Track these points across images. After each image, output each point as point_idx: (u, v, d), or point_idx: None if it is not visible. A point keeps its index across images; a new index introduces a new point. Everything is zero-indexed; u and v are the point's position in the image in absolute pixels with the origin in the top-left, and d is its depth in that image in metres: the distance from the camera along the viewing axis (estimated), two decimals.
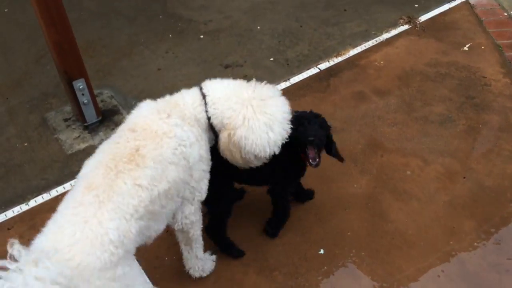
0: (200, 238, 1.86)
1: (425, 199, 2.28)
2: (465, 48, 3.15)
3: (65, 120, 2.77)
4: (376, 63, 3.10)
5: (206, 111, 1.64)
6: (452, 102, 2.77)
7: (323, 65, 3.12)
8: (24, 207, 2.30)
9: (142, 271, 1.47)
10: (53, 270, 1.14)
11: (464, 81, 2.90)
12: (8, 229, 2.20)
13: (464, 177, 2.36)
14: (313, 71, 3.08)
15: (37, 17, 2.28)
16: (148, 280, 1.49)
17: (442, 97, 2.80)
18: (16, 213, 2.27)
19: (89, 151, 2.58)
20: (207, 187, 1.73)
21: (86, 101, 2.58)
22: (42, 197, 2.35)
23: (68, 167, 2.50)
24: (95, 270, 1.27)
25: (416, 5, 3.59)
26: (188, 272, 1.96)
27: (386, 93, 2.86)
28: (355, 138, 2.60)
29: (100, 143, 2.60)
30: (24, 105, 2.86)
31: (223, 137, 1.64)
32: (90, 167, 1.46)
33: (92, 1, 3.82)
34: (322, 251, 2.12)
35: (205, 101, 1.65)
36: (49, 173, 2.46)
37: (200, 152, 1.61)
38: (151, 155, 1.46)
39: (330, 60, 3.15)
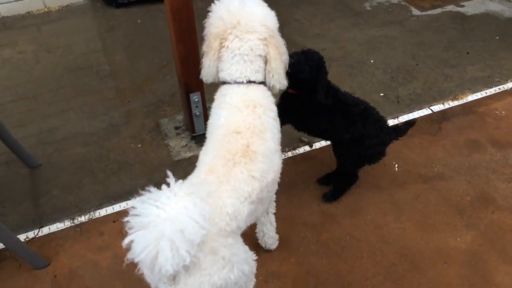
0: (274, 204, 2.07)
1: None
2: None
3: (176, 128, 2.94)
4: (497, 112, 2.88)
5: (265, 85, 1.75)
6: None
7: (437, 107, 2.98)
8: (130, 203, 2.45)
9: (245, 245, 1.58)
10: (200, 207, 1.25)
11: None
12: (114, 221, 2.37)
13: None
14: (425, 111, 2.96)
15: (170, 32, 2.47)
16: (249, 250, 1.60)
17: None
18: (122, 208, 2.44)
19: (193, 160, 2.70)
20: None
21: (198, 113, 2.72)
22: None
23: (173, 172, 2.63)
24: (212, 233, 1.38)
25: None
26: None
27: (505, 146, 2.65)
28: (464, 189, 2.43)
29: None
30: (142, 109, 3.09)
31: (271, 57, 1.70)
32: (209, 156, 1.58)
33: None
34: None
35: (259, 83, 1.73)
36: (156, 175, 2.61)
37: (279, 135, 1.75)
38: (261, 150, 1.58)
39: (445, 103, 3.00)
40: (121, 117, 3.04)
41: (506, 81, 3.12)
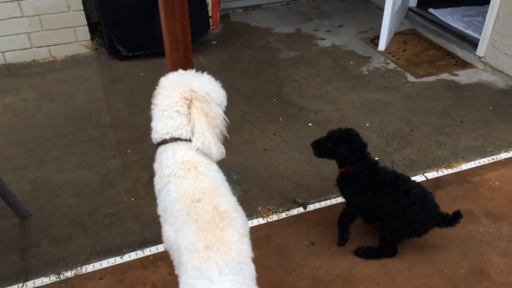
0: None
1: None
2: None
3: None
4: (491, 182, 2.91)
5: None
6: None
7: (431, 174, 3.00)
8: (118, 260, 2.42)
9: None
10: None
11: None
12: (100, 278, 2.31)
13: None
14: (418, 178, 2.97)
15: None
16: None
17: None
18: (110, 264, 2.39)
19: None
20: None
21: None
22: (136, 254, 2.45)
23: None
24: None
25: None
26: None
27: (498, 218, 2.65)
28: (458, 261, 2.40)
29: None
30: (139, 162, 3.11)
31: (195, 118, 1.75)
32: (188, 234, 1.58)
33: (216, 76, 4.12)
34: None
35: (184, 140, 1.80)
36: (147, 231, 2.58)
37: None
38: (229, 206, 1.66)
39: (439, 171, 3.03)
40: (117, 169, 3.05)
41: (499, 152, 3.17)
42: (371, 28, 5.09)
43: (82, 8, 4.30)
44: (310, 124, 3.53)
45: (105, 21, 4.24)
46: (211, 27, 4.95)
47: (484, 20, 4.05)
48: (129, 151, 3.21)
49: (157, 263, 2.40)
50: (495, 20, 3.92)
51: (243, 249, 1.53)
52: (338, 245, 2.49)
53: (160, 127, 1.80)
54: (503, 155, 3.14)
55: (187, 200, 1.60)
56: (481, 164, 3.07)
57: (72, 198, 2.81)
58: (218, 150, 1.82)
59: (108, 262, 2.40)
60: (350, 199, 2.41)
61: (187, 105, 1.77)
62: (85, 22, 4.39)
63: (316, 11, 5.59)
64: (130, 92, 3.90)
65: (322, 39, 4.87)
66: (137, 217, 2.68)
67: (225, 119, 1.88)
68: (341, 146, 2.26)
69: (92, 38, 4.51)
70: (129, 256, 2.44)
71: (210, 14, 4.88)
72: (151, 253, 2.46)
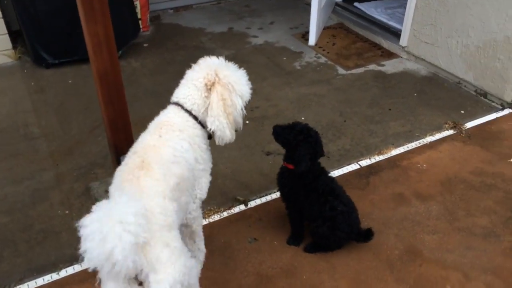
0: (201, 232, 2.17)
1: None
2: None
3: (108, 191, 2.85)
4: (419, 165, 3.07)
5: (190, 115, 1.93)
6: (497, 215, 2.67)
7: (364, 162, 3.12)
8: (54, 276, 2.31)
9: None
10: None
11: (510, 195, 2.81)
12: None
13: None
14: (353, 166, 3.08)
15: (98, 94, 2.45)
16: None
17: (486, 209, 2.71)
18: (45, 282, 2.28)
19: None
20: (207, 186, 2.04)
21: None
22: (73, 268, 2.36)
23: None
24: (156, 229, 1.59)
25: (462, 112, 3.61)
26: None
27: (427, 198, 2.80)
28: (392, 243, 2.52)
29: None
30: (72, 173, 2.99)
31: (213, 101, 1.90)
32: (117, 180, 1.82)
33: (149, 79, 4.09)
34: None
35: (182, 107, 1.94)
36: None
37: (194, 155, 1.91)
38: (155, 161, 1.75)
39: (371, 158, 3.16)
40: (49, 181, 2.92)
41: (425, 136, 3.35)
42: (302, 24, 5.20)
43: (0, 16, 4.07)
44: (247, 122, 3.56)
45: (27, 28, 4.03)
46: (141, 30, 4.85)
47: (405, 11, 4.26)
48: (60, 162, 3.08)
49: (97, 276, 2.32)
50: (414, 11, 4.14)
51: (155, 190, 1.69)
52: (288, 244, 2.53)
53: (176, 92, 1.99)
54: (429, 139, 3.32)
55: (131, 151, 1.84)
56: (409, 148, 3.24)
57: (1, 216, 2.65)
58: (231, 133, 1.97)
59: (43, 279, 2.30)
60: (287, 198, 2.45)
61: (206, 86, 1.92)
62: (5, 31, 4.16)
63: (247, 9, 5.64)
64: (58, 101, 3.74)
65: (255, 36, 4.92)
66: (73, 230, 2.57)
67: (243, 110, 1.99)
68: (302, 144, 2.25)
69: (15, 47, 4.27)
70: (66, 271, 2.35)
71: (139, 16, 4.77)
72: None
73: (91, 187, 2.88)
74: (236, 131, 2.03)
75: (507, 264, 2.38)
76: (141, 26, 4.83)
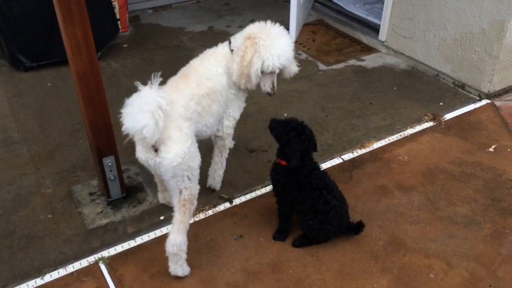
0: (228, 150, 2.78)
1: None
2: (491, 149, 3.15)
3: (91, 194, 2.83)
4: (400, 157, 3.11)
5: (231, 50, 2.46)
6: (477, 204, 2.73)
7: (347, 156, 3.16)
8: (39, 281, 2.29)
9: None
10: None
11: (489, 183, 2.87)
12: None
13: (490, 286, 2.26)
14: (336, 161, 3.11)
15: (78, 96, 2.43)
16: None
17: (467, 198, 2.77)
18: (30, 287, 2.26)
19: (110, 227, 2.61)
20: (239, 109, 2.66)
21: (113, 177, 2.65)
22: (58, 272, 2.34)
23: (88, 242, 2.51)
24: (175, 116, 2.16)
25: (441, 103, 3.67)
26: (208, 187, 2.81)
27: (409, 189, 2.85)
28: (376, 234, 2.55)
29: (121, 219, 2.65)
30: (54, 176, 2.95)
31: (237, 50, 2.41)
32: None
33: (129, 80, 4.05)
34: None
35: (229, 44, 2.49)
36: (68, 248, 2.47)
37: (228, 81, 2.47)
38: (194, 76, 2.37)
39: (354, 152, 3.19)
40: (30, 186, 2.88)
41: (406, 128, 3.40)
42: (282, 21, 5.14)
43: None
44: None
45: (3, 32, 3.96)
46: (120, 30, 4.81)
47: (383, 6, 4.31)
48: (41, 166, 3.04)
49: (82, 278, 2.30)
50: (392, 6, 4.19)
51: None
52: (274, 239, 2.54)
53: (235, 34, 2.54)
54: (409, 131, 3.37)
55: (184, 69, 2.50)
56: (390, 141, 3.28)
57: None
58: (241, 82, 2.45)
59: (27, 285, 2.27)
60: (280, 193, 2.46)
61: (248, 38, 2.40)
62: None
63: (227, 8, 5.63)
64: (38, 104, 3.68)
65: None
66: (56, 234, 2.55)
67: (257, 72, 2.41)
68: (294, 140, 2.26)
69: None
70: (51, 275, 2.32)
71: (118, 16, 4.73)
72: (75, 269, 2.35)
73: (73, 190, 2.86)
74: (247, 88, 2.50)
75: (487, 250, 2.44)
76: (120, 27, 4.79)
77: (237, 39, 2.47)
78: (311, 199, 2.35)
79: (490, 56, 3.51)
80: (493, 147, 3.17)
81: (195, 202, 2.26)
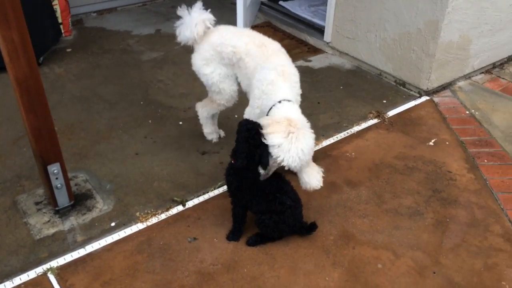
0: None
1: None
2: (431, 143, 3.33)
3: (37, 203, 2.73)
4: (348, 154, 3.22)
5: None
6: (420, 195, 2.87)
7: None
8: None
9: None
10: None
11: (430, 175, 3.03)
12: None
13: (434, 272, 2.39)
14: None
15: (18, 103, 2.34)
16: None
17: (410, 190, 2.91)
18: None
19: (58, 237, 2.53)
20: None
21: (59, 185, 2.57)
22: (4, 286, 2.24)
23: (35, 253, 2.42)
24: None
25: (385, 101, 3.83)
26: None
27: (357, 184, 2.95)
28: (327, 229, 2.63)
29: (70, 228, 2.58)
30: None
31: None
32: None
33: (75, 85, 3.95)
34: None
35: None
36: (14, 260, 2.37)
37: None
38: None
39: None
40: None
41: (352, 126, 3.52)
42: (229, 23, 5.21)
43: None
44: (180, 123, 3.55)
45: None
46: (63, 34, 4.67)
47: (327, 9, 4.44)
48: None
49: None
50: (335, 8, 4.33)
51: None
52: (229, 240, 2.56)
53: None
54: (356, 128, 3.49)
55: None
56: (338, 138, 3.39)
57: None
58: None
59: None
60: (234, 195, 2.47)
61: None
62: None
63: (174, 10, 5.54)
64: None
65: None
66: (1, 246, 2.44)
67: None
68: (242, 141, 2.28)
69: None
70: None
71: (60, 20, 4.58)
72: (22, 281, 2.27)
73: (18, 200, 2.75)
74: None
75: (431, 239, 2.57)
76: (62, 31, 4.65)
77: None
78: (265, 201, 2.39)
79: (427, 54, 3.71)
80: (433, 141, 3.35)
81: None
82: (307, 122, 2.45)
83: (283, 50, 2.76)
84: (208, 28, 2.85)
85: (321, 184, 2.57)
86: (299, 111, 2.52)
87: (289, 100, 2.50)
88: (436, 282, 2.34)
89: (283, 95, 2.51)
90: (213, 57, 2.84)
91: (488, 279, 2.35)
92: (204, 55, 2.86)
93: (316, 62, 4.47)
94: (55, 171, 2.52)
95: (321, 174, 2.60)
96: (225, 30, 2.89)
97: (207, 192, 2.88)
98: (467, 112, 3.67)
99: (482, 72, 4.24)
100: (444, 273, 2.39)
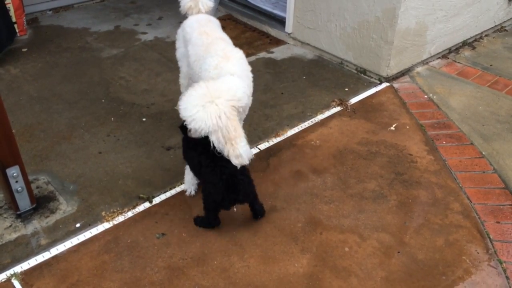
0: None
1: (363, 275, 2.34)
2: (392, 128, 3.41)
3: None
4: (312, 142, 3.27)
5: None
6: (383, 178, 2.95)
7: (263, 145, 3.24)
8: None
9: None
10: None
11: (393, 159, 3.11)
12: None
13: (399, 252, 2.46)
14: (253, 151, 3.19)
15: None
16: None
17: (374, 174, 2.98)
18: None
19: (21, 241, 2.47)
20: None
21: (19, 188, 2.50)
22: None
23: None
24: None
25: (346, 89, 3.90)
26: None
27: (322, 171, 3.00)
28: (295, 217, 2.66)
29: (33, 231, 2.51)
30: None
31: None
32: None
33: (32, 85, 3.83)
34: None
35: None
36: None
37: None
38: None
39: (269, 140, 3.29)
40: None
41: (316, 114, 3.57)
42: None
43: None
44: (144, 119, 3.50)
45: None
46: (18, 34, 4.51)
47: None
48: None
49: None
50: None
51: None
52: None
53: None
54: (319, 117, 3.54)
55: None
56: (303, 128, 3.42)
57: None
58: None
59: None
60: (190, 162, 2.60)
61: None
62: None
63: (133, 6, 5.50)
64: None
65: (144, 33, 4.82)
66: None
67: None
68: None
69: None
70: None
71: (14, 20, 4.43)
72: None
73: None
74: None
75: (394, 220, 2.65)
76: (17, 30, 4.49)
77: None
78: (209, 168, 2.39)
79: (386, 42, 3.79)
80: (394, 125, 3.43)
81: None
82: (241, 94, 2.42)
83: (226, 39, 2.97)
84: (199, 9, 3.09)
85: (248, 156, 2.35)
86: (238, 82, 2.45)
87: (232, 74, 2.51)
88: (401, 261, 2.41)
89: (228, 72, 2.53)
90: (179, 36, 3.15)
91: (450, 254, 2.45)
92: (179, 30, 3.18)
93: (279, 53, 4.49)
94: (14, 174, 2.45)
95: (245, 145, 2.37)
96: (204, 19, 3.04)
97: (174, 188, 2.87)
98: (426, 96, 3.78)
99: (439, 57, 4.37)
100: (408, 251, 2.46)
